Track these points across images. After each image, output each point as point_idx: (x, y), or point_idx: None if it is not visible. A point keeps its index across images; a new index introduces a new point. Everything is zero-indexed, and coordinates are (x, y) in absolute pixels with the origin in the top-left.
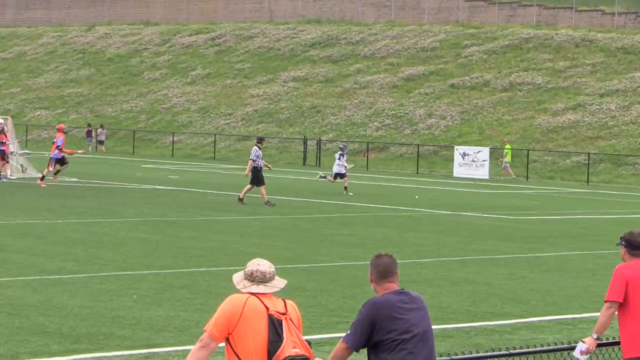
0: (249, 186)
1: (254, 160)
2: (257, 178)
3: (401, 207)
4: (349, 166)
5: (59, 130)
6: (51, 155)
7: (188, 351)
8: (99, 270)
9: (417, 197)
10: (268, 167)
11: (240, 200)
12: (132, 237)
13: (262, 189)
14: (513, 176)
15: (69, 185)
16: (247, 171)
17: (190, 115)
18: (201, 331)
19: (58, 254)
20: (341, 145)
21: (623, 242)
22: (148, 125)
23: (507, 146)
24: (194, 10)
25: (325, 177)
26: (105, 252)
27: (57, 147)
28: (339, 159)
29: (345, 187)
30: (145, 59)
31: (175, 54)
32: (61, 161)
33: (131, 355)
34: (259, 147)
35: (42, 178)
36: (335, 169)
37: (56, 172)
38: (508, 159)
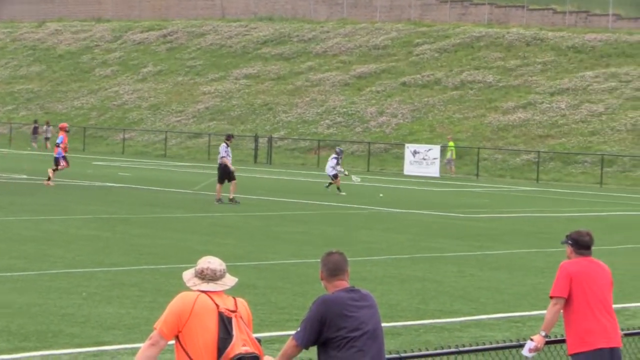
0: (219, 185)
1: (225, 157)
2: (227, 174)
3: (352, 205)
4: (346, 173)
5: (61, 128)
6: (55, 155)
7: (137, 349)
8: (49, 267)
9: (381, 195)
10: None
11: (231, 200)
12: (83, 234)
13: (219, 186)
14: (453, 174)
15: (19, 183)
16: (231, 167)
17: (141, 113)
18: (151, 329)
19: (8, 252)
20: (337, 150)
21: (569, 241)
22: (99, 122)
23: (451, 143)
24: (146, 7)
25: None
26: (56, 249)
27: (58, 145)
28: (335, 166)
29: (338, 187)
30: (97, 56)
31: (127, 50)
32: (56, 161)
33: (80, 353)
34: (227, 143)
35: (49, 179)
36: (330, 171)
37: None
38: (452, 155)
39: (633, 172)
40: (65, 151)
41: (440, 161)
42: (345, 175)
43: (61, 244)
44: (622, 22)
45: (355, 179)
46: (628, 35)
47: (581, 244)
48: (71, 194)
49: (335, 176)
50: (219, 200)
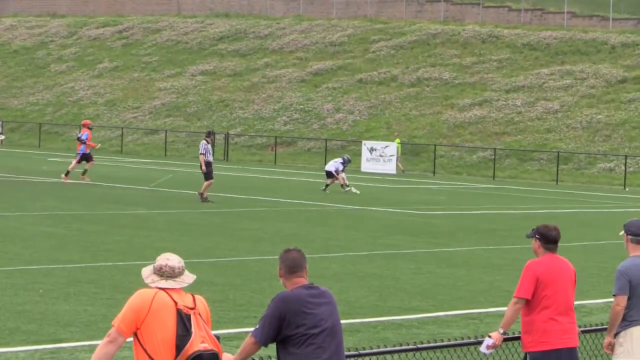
0: (207, 182)
1: (204, 154)
2: (206, 173)
3: (309, 202)
4: (347, 183)
5: (84, 125)
6: (78, 151)
7: (95, 346)
8: (5, 264)
9: (358, 192)
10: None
11: (204, 198)
12: (39, 231)
13: (208, 183)
14: (402, 170)
15: None
16: (203, 167)
17: (97, 109)
18: (108, 326)
19: None
20: (345, 158)
21: (537, 236)
22: (54, 118)
23: (397, 140)
24: (101, 2)
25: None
26: (11, 246)
27: (82, 142)
28: (338, 169)
29: (342, 185)
30: (52, 52)
31: (82, 46)
32: (87, 158)
33: (37, 350)
34: (207, 140)
35: (67, 173)
36: (330, 167)
37: (84, 172)
38: (398, 152)
39: (588, 170)
40: (91, 147)
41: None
42: (346, 185)
43: (17, 241)
44: (577, 19)
45: (355, 191)
46: (583, 33)
47: (549, 239)
48: (26, 191)
49: (330, 174)
50: (205, 198)
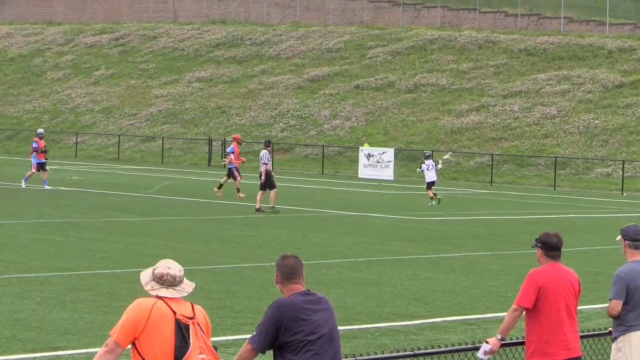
0: (261, 192)
1: (267, 164)
2: (269, 182)
3: (306, 208)
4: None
5: (234, 139)
6: (230, 165)
7: (92, 354)
8: (1, 272)
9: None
10: (224, 162)
11: (258, 209)
12: (35, 238)
13: (273, 193)
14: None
15: None
16: (263, 177)
17: (94, 116)
18: (105, 333)
19: None
20: (426, 154)
21: (539, 244)
22: (51, 125)
23: (366, 145)
24: (98, 9)
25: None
26: (7, 254)
27: (226, 154)
28: (430, 168)
29: (432, 197)
30: (48, 59)
31: (79, 54)
32: (230, 173)
33: (34, 358)
34: (268, 150)
35: (238, 189)
36: (431, 177)
37: (219, 186)
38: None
39: (586, 175)
40: (240, 162)
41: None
42: (440, 162)
43: (13, 249)
44: (574, 24)
45: (446, 157)
46: (580, 38)
47: (549, 246)
48: (23, 198)
49: (432, 184)
50: (259, 209)
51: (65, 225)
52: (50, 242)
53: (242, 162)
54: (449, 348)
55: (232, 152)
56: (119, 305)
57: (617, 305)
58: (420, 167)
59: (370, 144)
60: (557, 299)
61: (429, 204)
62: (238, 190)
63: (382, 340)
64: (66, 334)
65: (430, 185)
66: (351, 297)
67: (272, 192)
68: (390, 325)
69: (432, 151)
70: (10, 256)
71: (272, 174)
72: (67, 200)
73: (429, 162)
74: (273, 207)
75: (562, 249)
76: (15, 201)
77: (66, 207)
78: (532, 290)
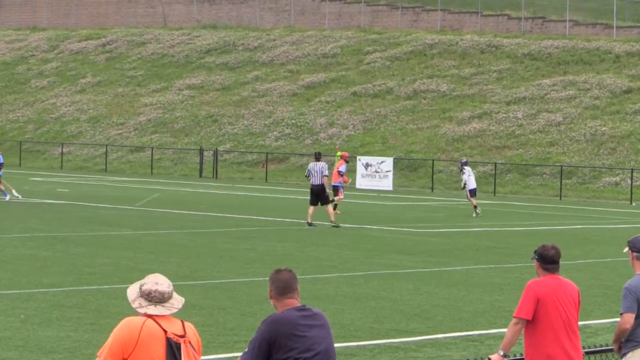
0: (333, 204)
1: (327, 177)
2: (323, 197)
3: (302, 220)
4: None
5: (342, 157)
6: (335, 184)
7: None
8: None
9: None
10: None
11: (334, 224)
12: (19, 253)
13: (312, 208)
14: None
15: None
16: (328, 188)
17: (80, 125)
18: (93, 352)
19: None
20: (463, 161)
21: (536, 257)
22: (36, 135)
23: (338, 153)
24: (83, 14)
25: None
26: None
27: (340, 173)
28: (471, 174)
29: (475, 206)
30: (32, 66)
31: (64, 60)
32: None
33: None
34: (323, 162)
35: (335, 207)
36: (471, 183)
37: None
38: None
39: (593, 184)
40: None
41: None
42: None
43: None
44: (580, 28)
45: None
46: (586, 42)
47: (546, 259)
48: (7, 212)
49: (474, 192)
50: (310, 223)
51: (51, 240)
52: (36, 257)
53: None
54: None
55: (344, 171)
56: (106, 322)
57: (629, 319)
58: (462, 173)
59: (370, 153)
60: (557, 311)
61: (474, 215)
62: (335, 207)
63: (382, 358)
64: (52, 352)
65: (473, 193)
66: (349, 312)
67: (329, 207)
68: (390, 342)
69: (433, 160)
70: None
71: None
72: (52, 213)
73: (468, 168)
74: (333, 222)
75: (569, 262)
76: (0, 215)
77: (52, 221)
78: (531, 302)
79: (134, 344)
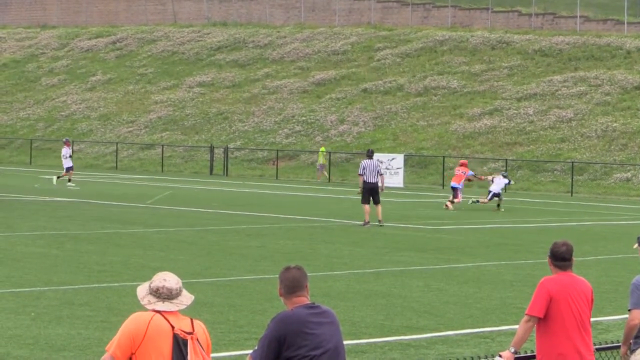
0: (367, 206)
1: (382, 175)
2: (378, 195)
3: (313, 218)
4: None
5: (461, 165)
6: (456, 185)
7: None
8: None
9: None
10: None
11: (381, 224)
12: (30, 252)
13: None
14: (320, 180)
15: None
16: (383, 185)
17: (90, 123)
18: (103, 350)
19: None
20: (504, 174)
21: (549, 254)
22: (46, 133)
23: (322, 148)
24: (94, 12)
25: (477, 202)
26: (1, 268)
27: (469, 179)
28: (507, 185)
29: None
30: (43, 64)
31: (74, 58)
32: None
33: None
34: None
35: (452, 202)
36: (495, 188)
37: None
38: (322, 160)
39: (604, 180)
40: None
41: (316, 166)
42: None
43: (7, 262)
44: (590, 24)
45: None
46: (597, 38)
47: (557, 256)
48: (17, 210)
49: (497, 195)
50: (367, 222)
51: (61, 238)
52: (46, 255)
53: (481, 180)
54: None
55: (471, 175)
56: (117, 320)
57: (638, 315)
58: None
59: (381, 150)
60: (570, 309)
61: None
62: (452, 202)
63: (392, 355)
64: (62, 350)
65: (494, 195)
66: (359, 309)
67: (378, 207)
68: (400, 339)
69: (443, 157)
70: (4, 270)
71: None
72: (63, 211)
73: (500, 179)
74: (375, 221)
75: (580, 258)
76: (10, 213)
77: (62, 219)
78: (543, 299)
79: (141, 338)
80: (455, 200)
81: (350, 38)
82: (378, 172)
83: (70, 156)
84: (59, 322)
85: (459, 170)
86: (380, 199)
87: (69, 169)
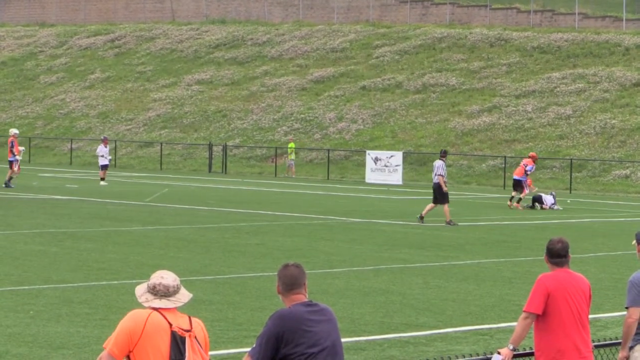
0: (432, 205)
1: (443, 176)
2: (442, 195)
3: (312, 215)
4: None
5: (531, 157)
6: (518, 178)
7: None
8: None
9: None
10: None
11: (451, 222)
12: (29, 250)
13: (446, 206)
14: (294, 175)
15: None
16: (445, 187)
17: (89, 121)
18: (102, 348)
19: None
20: (553, 193)
21: (545, 251)
22: (45, 131)
23: (291, 144)
24: (92, 10)
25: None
26: (0, 266)
27: (526, 173)
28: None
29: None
30: (41, 62)
31: (73, 56)
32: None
33: None
34: (443, 160)
35: (519, 201)
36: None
37: (518, 201)
38: (292, 156)
39: (603, 177)
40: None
41: (286, 163)
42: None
43: (7, 260)
44: (589, 20)
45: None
46: (595, 35)
47: (552, 253)
48: (17, 208)
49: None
50: (450, 221)
51: (60, 236)
52: (45, 253)
53: (529, 185)
54: (461, 359)
55: (530, 171)
56: (116, 318)
57: (634, 313)
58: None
59: (379, 147)
60: (568, 305)
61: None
62: (519, 200)
63: (391, 352)
64: (61, 348)
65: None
66: (359, 307)
67: (445, 207)
68: (400, 336)
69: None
70: (3, 268)
71: (445, 187)
72: (62, 209)
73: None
74: (450, 221)
75: (579, 255)
76: (9, 211)
77: (61, 217)
78: (541, 296)
79: (139, 335)
80: (521, 195)
81: (349, 35)
82: (436, 173)
83: (104, 155)
84: (58, 320)
85: (523, 162)
86: (438, 198)
87: (104, 167)
